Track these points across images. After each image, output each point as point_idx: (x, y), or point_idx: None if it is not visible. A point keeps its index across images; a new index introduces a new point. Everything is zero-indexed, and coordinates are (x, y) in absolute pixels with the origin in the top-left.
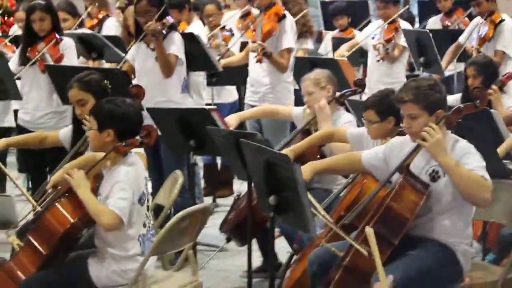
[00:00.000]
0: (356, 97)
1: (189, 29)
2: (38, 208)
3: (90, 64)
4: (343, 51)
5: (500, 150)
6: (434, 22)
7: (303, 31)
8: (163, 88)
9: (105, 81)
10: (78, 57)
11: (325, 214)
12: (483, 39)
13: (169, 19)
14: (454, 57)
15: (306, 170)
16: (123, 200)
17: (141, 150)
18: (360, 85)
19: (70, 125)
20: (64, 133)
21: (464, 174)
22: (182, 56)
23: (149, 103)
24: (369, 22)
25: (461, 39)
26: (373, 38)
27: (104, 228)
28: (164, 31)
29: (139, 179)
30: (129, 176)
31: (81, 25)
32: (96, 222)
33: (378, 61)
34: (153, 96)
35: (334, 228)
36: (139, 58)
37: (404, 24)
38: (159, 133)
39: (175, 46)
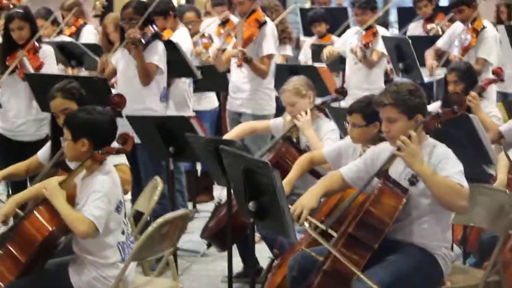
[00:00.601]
0: (335, 104)
1: (174, 36)
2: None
3: (69, 72)
4: (333, 48)
5: (502, 179)
6: (415, 27)
7: (282, 38)
8: (142, 96)
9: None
10: (58, 64)
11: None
12: (466, 48)
13: (152, 28)
14: (436, 58)
15: (312, 197)
16: (99, 209)
17: (125, 162)
18: (342, 92)
19: (47, 144)
20: (43, 153)
21: (441, 182)
22: (162, 65)
23: (128, 110)
24: (347, 28)
25: (439, 43)
26: (350, 43)
27: (79, 235)
28: (143, 40)
29: (115, 187)
30: (105, 185)
31: (60, 33)
32: (71, 230)
33: (356, 63)
34: (132, 103)
35: (312, 234)
36: (122, 63)
37: (382, 30)
38: (137, 140)
39: (157, 56)
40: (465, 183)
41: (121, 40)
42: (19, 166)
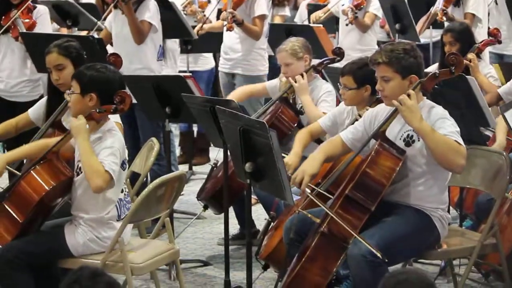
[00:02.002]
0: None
1: None
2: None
3: (64, 32)
4: (319, 14)
5: (501, 139)
6: None
7: None
8: (139, 56)
9: (83, 52)
10: (52, 23)
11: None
12: (449, 0)
13: None
14: (425, 24)
15: (313, 163)
16: (115, 164)
17: (118, 119)
18: (339, 53)
19: (39, 101)
20: (35, 111)
21: (439, 139)
22: (156, 23)
23: (126, 70)
24: None
25: (433, 8)
26: (343, 5)
27: (94, 188)
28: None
29: (123, 144)
30: (116, 141)
31: None
32: (87, 179)
33: (347, 25)
34: (129, 63)
35: (309, 196)
36: (116, 25)
37: None
38: (134, 100)
39: (149, 13)
40: (462, 142)
41: (113, 1)
42: (8, 123)
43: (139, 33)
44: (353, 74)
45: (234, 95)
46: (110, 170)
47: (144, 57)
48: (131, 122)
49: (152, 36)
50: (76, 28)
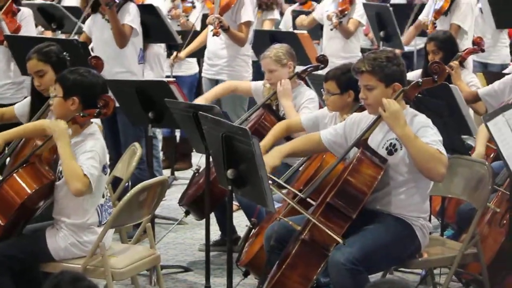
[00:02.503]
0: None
1: (148, 0)
2: None
3: (49, 35)
4: (303, 19)
5: (480, 150)
6: None
7: (269, 3)
8: (120, 59)
9: (65, 53)
10: (37, 27)
11: (281, 189)
12: (438, 12)
13: None
14: (414, 35)
15: (274, 155)
16: (94, 168)
17: (98, 121)
18: (323, 60)
19: (25, 99)
20: (20, 107)
21: (421, 146)
22: (137, 26)
23: (107, 74)
24: None
25: (421, 16)
26: (327, 11)
27: (73, 191)
28: (117, 0)
29: (104, 149)
30: (96, 145)
31: None
32: (66, 183)
33: (331, 29)
34: (111, 67)
35: (291, 203)
36: (96, 29)
37: None
38: (117, 104)
39: (130, 17)
40: (444, 151)
41: (93, 5)
42: None
43: (122, 37)
44: (337, 80)
45: (218, 87)
46: (89, 174)
47: (126, 60)
48: (113, 126)
49: (133, 39)
50: (60, 32)
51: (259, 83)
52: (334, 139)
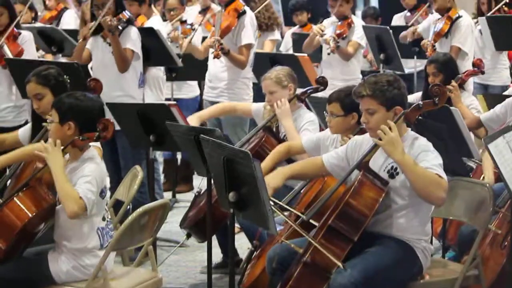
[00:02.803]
0: (315, 94)
1: (148, 23)
2: None
3: (50, 58)
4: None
5: (489, 175)
6: (399, 19)
7: (270, 23)
8: (120, 83)
9: (65, 76)
10: (38, 50)
11: (283, 211)
12: (438, 34)
13: (126, 14)
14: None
15: (277, 177)
16: (91, 192)
17: (97, 143)
18: (322, 82)
19: (28, 124)
20: (23, 132)
21: (419, 172)
22: (138, 50)
23: (107, 97)
24: (328, 17)
25: (419, 27)
26: (325, 34)
27: (69, 214)
28: (120, 27)
29: (101, 172)
30: (94, 170)
31: (35, 18)
32: (62, 206)
33: (329, 54)
34: (110, 91)
35: (293, 225)
36: (97, 51)
37: (358, 21)
38: (117, 127)
39: (132, 41)
40: (444, 175)
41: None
42: None
43: (124, 62)
44: (341, 102)
45: (217, 107)
46: (85, 197)
47: (125, 84)
48: (112, 149)
49: (134, 63)
50: (60, 55)
51: (260, 104)
52: (336, 163)
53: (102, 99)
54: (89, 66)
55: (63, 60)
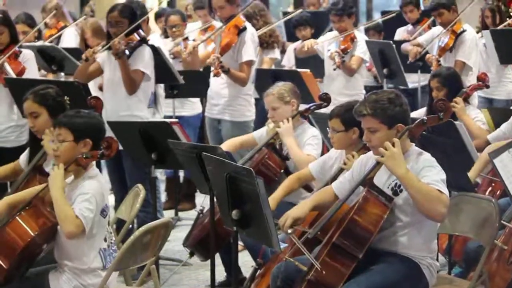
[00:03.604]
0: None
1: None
2: None
3: (50, 77)
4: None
5: (472, 174)
6: (402, 33)
7: (271, 41)
8: (128, 102)
9: (65, 97)
10: (39, 70)
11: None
12: (443, 49)
13: (138, 35)
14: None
15: (302, 208)
16: (88, 210)
17: None
18: (326, 99)
19: (27, 149)
20: (22, 157)
21: (420, 187)
22: (149, 72)
23: (114, 116)
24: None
25: (421, 39)
26: (329, 50)
27: (66, 235)
28: (127, 51)
29: (102, 190)
30: (92, 187)
31: (39, 37)
32: (59, 227)
33: (335, 69)
34: (119, 109)
35: (297, 243)
36: (109, 69)
37: (361, 36)
38: (120, 146)
39: (143, 62)
40: (445, 190)
41: (107, 41)
42: (6, 168)
43: (132, 85)
44: (341, 117)
45: (224, 148)
46: (81, 216)
47: (133, 104)
48: (118, 168)
49: (143, 84)
50: (63, 73)
51: (261, 130)
52: (345, 187)
53: (110, 118)
54: (90, 84)
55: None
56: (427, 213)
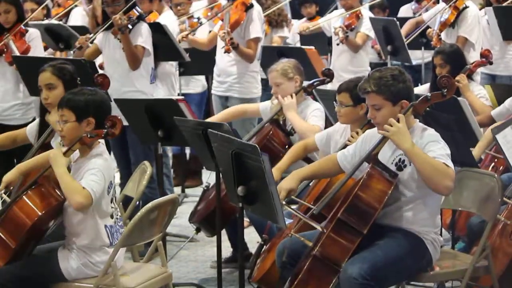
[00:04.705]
0: (323, 87)
1: (160, 18)
2: (5, 197)
3: (58, 55)
4: (307, 25)
5: (477, 151)
6: (406, 10)
7: (280, 20)
8: (131, 79)
9: (77, 78)
10: (46, 49)
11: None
12: (444, 24)
13: (136, 11)
14: (412, 29)
15: (292, 179)
16: (96, 183)
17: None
18: (328, 74)
19: (36, 120)
20: (30, 129)
21: (427, 160)
22: (149, 47)
23: (117, 93)
24: (336, 9)
25: (425, 15)
26: (334, 26)
27: (75, 206)
28: (130, 26)
29: (108, 167)
30: (99, 163)
31: (48, 15)
32: (68, 201)
33: (338, 44)
34: (121, 86)
35: (303, 218)
36: (107, 48)
37: (366, 13)
38: (126, 123)
39: (142, 38)
40: (451, 164)
41: (104, 23)
42: (7, 135)
43: (135, 60)
44: (350, 92)
45: (227, 112)
46: (88, 187)
47: (136, 80)
48: (123, 145)
49: (145, 59)
50: (72, 51)
51: (267, 103)
52: (347, 160)
53: (113, 95)
54: (97, 63)
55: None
56: (434, 187)
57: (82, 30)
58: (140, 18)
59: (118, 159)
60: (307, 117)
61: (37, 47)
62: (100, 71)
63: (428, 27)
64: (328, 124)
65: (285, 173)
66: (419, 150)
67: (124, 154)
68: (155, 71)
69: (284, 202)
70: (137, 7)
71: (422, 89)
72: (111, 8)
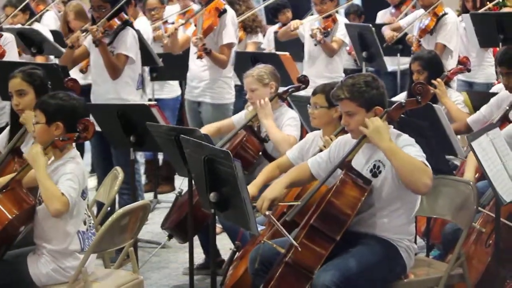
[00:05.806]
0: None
1: (135, 24)
2: None
3: (38, 60)
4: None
5: (468, 174)
6: (383, 15)
7: (254, 26)
8: (114, 86)
9: (48, 82)
10: (21, 54)
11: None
12: (424, 30)
13: (117, 20)
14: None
15: (276, 188)
16: (73, 188)
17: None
18: (304, 81)
19: (5, 130)
20: (1, 139)
21: (406, 158)
22: (133, 55)
23: (102, 99)
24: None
25: (402, 21)
26: (310, 30)
27: (52, 212)
28: (106, 40)
29: (82, 172)
30: (73, 168)
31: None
32: (45, 206)
33: (315, 45)
34: (106, 93)
35: (276, 225)
36: (93, 52)
37: (341, 19)
38: (98, 128)
39: (126, 46)
40: (428, 165)
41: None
42: None
43: (114, 70)
44: (326, 94)
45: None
46: (67, 193)
47: (121, 87)
48: (103, 150)
49: (131, 66)
50: (52, 56)
51: (240, 114)
52: (320, 166)
53: (97, 101)
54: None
55: (56, 61)
56: (412, 185)
57: (54, 34)
58: (126, 24)
59: (96, 164)
60: (282, 126)
61: (11, 51)
62: (77, 75)
63: (406, 34)
64: (303, 130)
65: None
66: (397, 148)
67: (103, 159)
68: (141, 77)
69: (267, 213)
70: (123, 14)
71: (399, 97)
72: (96, 13)
